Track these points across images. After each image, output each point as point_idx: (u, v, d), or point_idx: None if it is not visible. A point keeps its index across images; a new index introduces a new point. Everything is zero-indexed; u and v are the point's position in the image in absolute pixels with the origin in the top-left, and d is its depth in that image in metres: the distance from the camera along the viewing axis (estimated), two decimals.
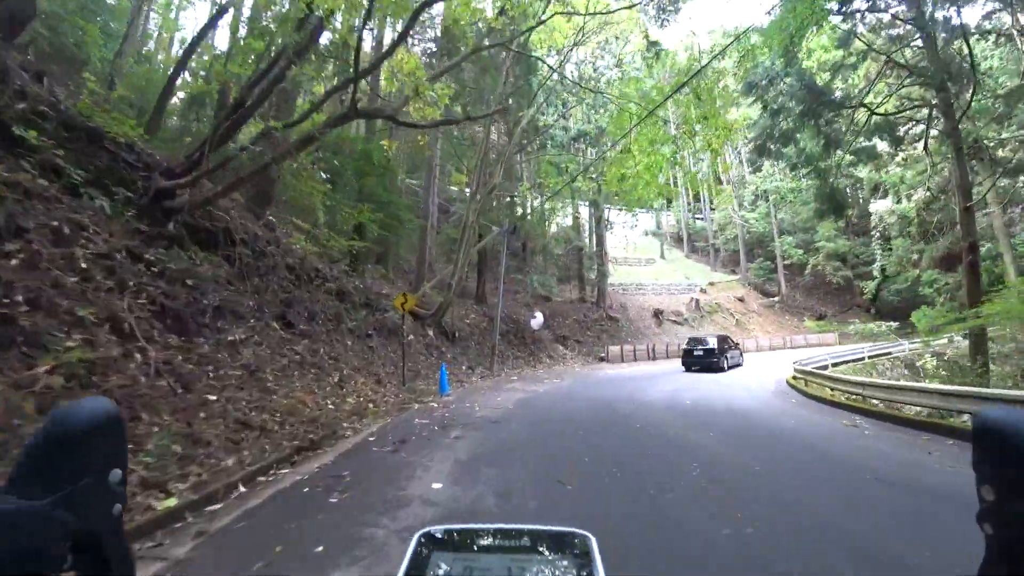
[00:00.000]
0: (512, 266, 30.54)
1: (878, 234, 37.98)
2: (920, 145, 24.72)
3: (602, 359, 28.61)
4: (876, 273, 38.21)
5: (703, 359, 20.38)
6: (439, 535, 0.98)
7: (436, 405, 11.07)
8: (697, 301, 39.31)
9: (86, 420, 0.59)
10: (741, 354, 24.01)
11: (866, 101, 15.71)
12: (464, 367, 19.73)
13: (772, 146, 16.79)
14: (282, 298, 11.11)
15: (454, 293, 19.78)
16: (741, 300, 41.41)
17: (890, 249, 37.94)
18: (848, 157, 16.04)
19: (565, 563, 0.91)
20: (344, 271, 15.83)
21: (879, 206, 35.04)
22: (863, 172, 40.26)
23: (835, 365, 22.32)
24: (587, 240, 36.38)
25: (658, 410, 10.80)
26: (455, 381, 16.35)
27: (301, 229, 12.72)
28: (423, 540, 0.94)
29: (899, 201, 24.47)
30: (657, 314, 36.50)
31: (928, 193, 21.43)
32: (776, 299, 41.70)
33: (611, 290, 37.46)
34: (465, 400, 11.83)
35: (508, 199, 25.85)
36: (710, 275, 46.12)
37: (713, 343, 20.71)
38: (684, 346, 21.97)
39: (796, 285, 43.46)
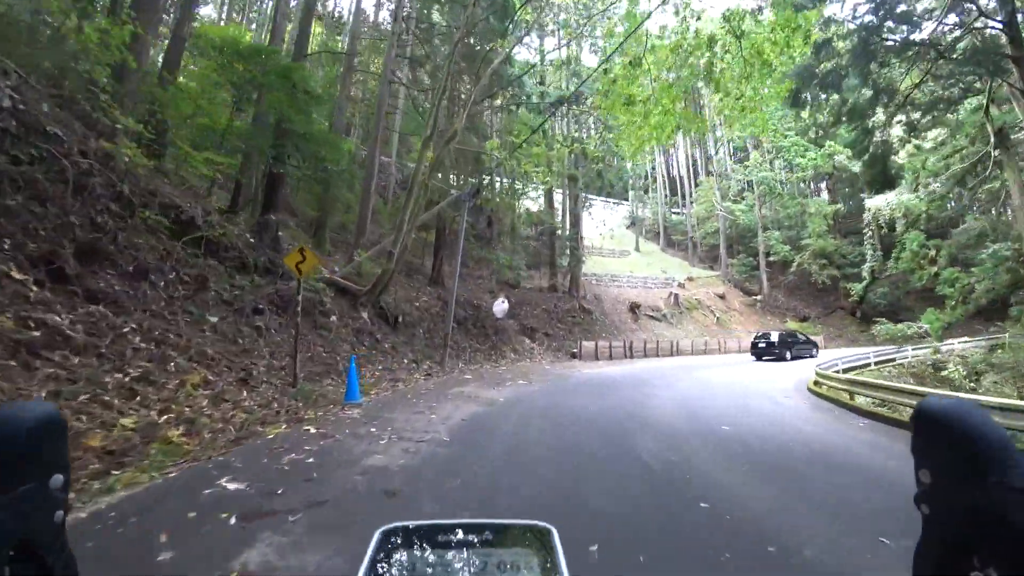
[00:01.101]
0: (477, 249, 26.36)
1: (871, 232, 35.43)
2: (939, 134, 21.94)
3: (574, 356, 24.83)
4: (865, 274, 35.69)
5: (767, 350, 24.22)
6: (400, 531, 0.94)
7: (318, 429, 6.59)
8: (676, 296, 36.04)
9: (27, 423, 0.56)
10: (815, 347, 25.74)
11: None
12: (406, 360, 15.52)
13: (808, 94, 13.14)
14: (84, 239, 6.66)
15: (396, 264, 15.48)
16: (722, 297, 38.39)
17: (881, 251, 35.51)
18: (901, 120, 12.50)
19: (527, 555, 0.90)
20: (223, 215, 11.36)
21: (876, 201, 32.45)
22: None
23: (845, 371, 19.10)
24: (561, 221, 32.49)
25: (703, 454, 6.22)
26: (388, 380, 12.16)
27: (131, 133, 8.18)
28: (383, 537, 0.91)
29: (915, 189, 21.64)
30: (634, 308, 32.98)
31: (961, 169, 18.40)
32: (758, 298, 38.84)
33: (585, 280, 33.79)
34: (377, 417, 7.56)
35: (475, 159, 21.63)
36: (688, 270, 43.03)
37: (775, 338, 24.48)
38: (752, 339, 26.08)
39: (778, 284, 40.75)
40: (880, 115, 12.75)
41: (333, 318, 13.70)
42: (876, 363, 22.37)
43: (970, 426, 0.54)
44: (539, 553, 0.90)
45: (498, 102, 21.72)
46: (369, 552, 0.86)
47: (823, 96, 13.32)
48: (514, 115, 22.47)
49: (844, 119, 13.16)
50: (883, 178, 13.12)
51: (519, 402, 9.79)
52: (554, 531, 0.93)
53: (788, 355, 23.64)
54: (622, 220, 56.14)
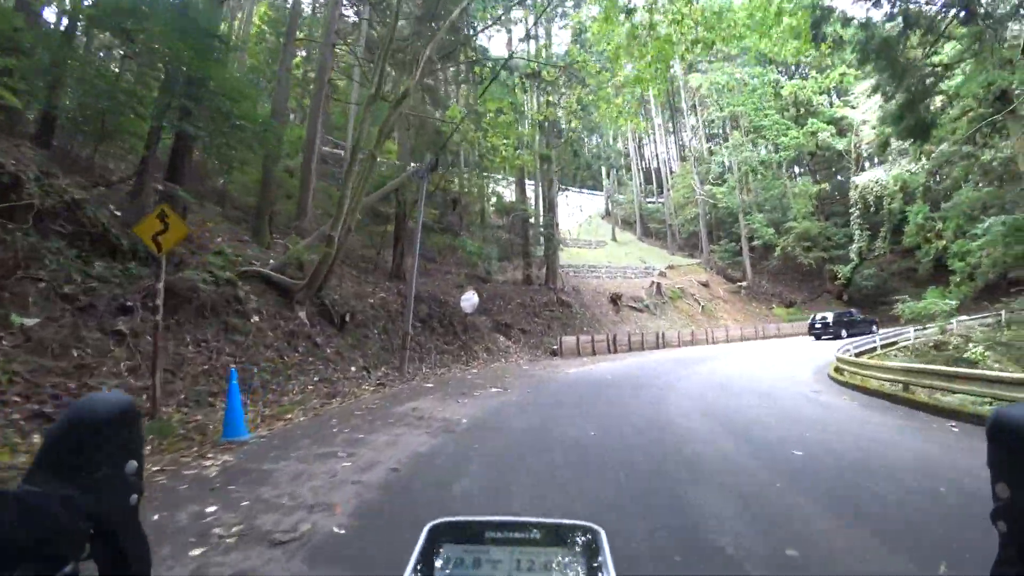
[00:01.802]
0: (441, 237, 23.67)
1: (857, 212, 33.92)
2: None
3: (555, 353, 22.40)
4: (853, 255, 34.18)
5: (824, 330, 26.46)
6: (448, 527, 0.94)
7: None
8: (659, 285, 33.95)
9: (104, 412, 0.60)
10: (873, 324, 26.81)
11: None
12: (354, 368, 12.82)
13: (829, 28, 10.90)
14: None
15: (339, 250, 12.76)
16: (705, 285, 36.49)
17: (868, 230, 34.05)
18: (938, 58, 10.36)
19: (574, 556, 0.89)
20: (102, 187, 8.56)
21: (864, 178, 31.08)
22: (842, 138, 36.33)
23: (857, 355, 17.14)
24: (534, 208, 30.00)
25: (808, 511, 3.79)
26: (321, 396, 9.47)
27: None
28: (432, 532, 0.91)
29: (919, 159, 19.88)
30: (615, 299, 30.73)
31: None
32: (743, 284, 37.05)
33: (562, 271, 31.43)
34: (249, 471, 4.77)
35: (436, 134, 18.98)
36: (668, 258, 41.09)
37: (831, 319, 26.72)
38: (810, 321, 28.34)
39: (761, 270, 39.08)
40: (914, 43, 10.59)
41: (255, 319, 10.89)
42: (882, 346, 20.62)
43: None
44: (586, 554, 0.88)
45: (458, 66, 19.05)
46: (418, 546, 0.86)
47: (844, 31, 11.13)
48: (478, 86, 19.85)
49: (872, 56, 10.98)
50: (919, 125, 11.01)
51: (488, 427, 7.09)
52: (602, 532, 0.90)
53: (844, 333, 25.16)
54: (597, 211, 54.14)
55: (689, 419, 7.33)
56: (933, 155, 19.48)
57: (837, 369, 14.34)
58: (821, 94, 37.57)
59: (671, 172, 51.31)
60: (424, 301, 19.86)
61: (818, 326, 27.10)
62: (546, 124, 24.86)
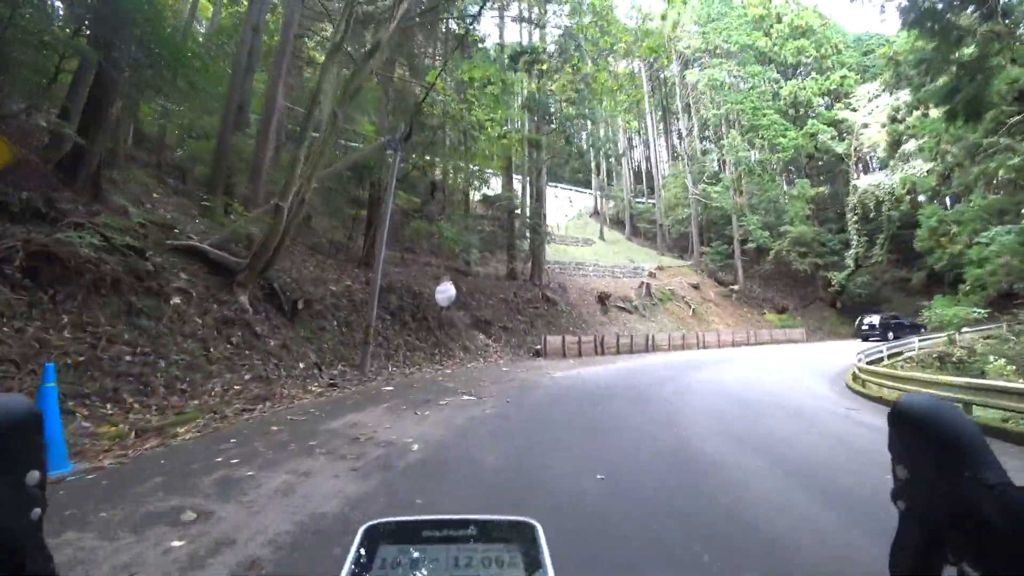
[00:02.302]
0: (418, 222, 21.69)
1: (856, 216, 32.70)
2: None
3: (538, 353, 20.62)
4: (849, 262, 32.96)
5: (871, 331, 27.31)
6: (384, 528, 0.93)
7: None
8: (648, 286, 32.36)
9: (1, 419, 0.55)
10: (920, 328, 25.61)
11: None
12: (303, 364, 10.93)
13: None
14: None
15: (289, 223, 10.79)
16: (696, 287, 34.99)
17: (866, 236, 32.88)
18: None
19: (512, 550, 0.89)
20: None
21: (866, 182, 29.97)
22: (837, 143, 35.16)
23: (870, 363, 15.68)
24: (521, 200, 28.15)
25: None
26: (244, 400, 7.53)
27: None
28: (367, 533, 0.90)
29: (935, 158, 18.53)
30: (603, 299, 29.05)
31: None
32: (735, 288, 35.63)
33: (548, 268, 29.68)
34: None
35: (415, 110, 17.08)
36: (657, 259, 39.56)
37: (877, 321, 27.52)
38: (856, 323, 29.44)
39: (753, 274, 37.74)
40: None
41: (175, 300, 8.88)
42: (888, 356, 19.30)
43: (945, 423, 0.55)
44: (524, 549, 0.89)
45: (445, 38, 17.13)
46: (353, 549, 0.85)
47: None
48: (467, 56, 17.94)
49: (922, 20, 9.35)
50: (974, 101, 9.39)
51: (445, 463, 4.94)
52: (539, 526, 0.91)
53: (890, 336, 25.55)
54: (586, 208, 52.58)
55: (720, 450, 5.54)
56: (949, 154, 18.24)
57: (855, 378, 12.82)
58: (822, 96, 36.47)
59: (662, 173, 49.88)
60: (396, 292, 17.94)
61: (865, 327, 27.85)
62: (536, 108, 23.07)
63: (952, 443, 0.55)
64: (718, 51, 39.68)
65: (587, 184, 54.22)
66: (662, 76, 55.16)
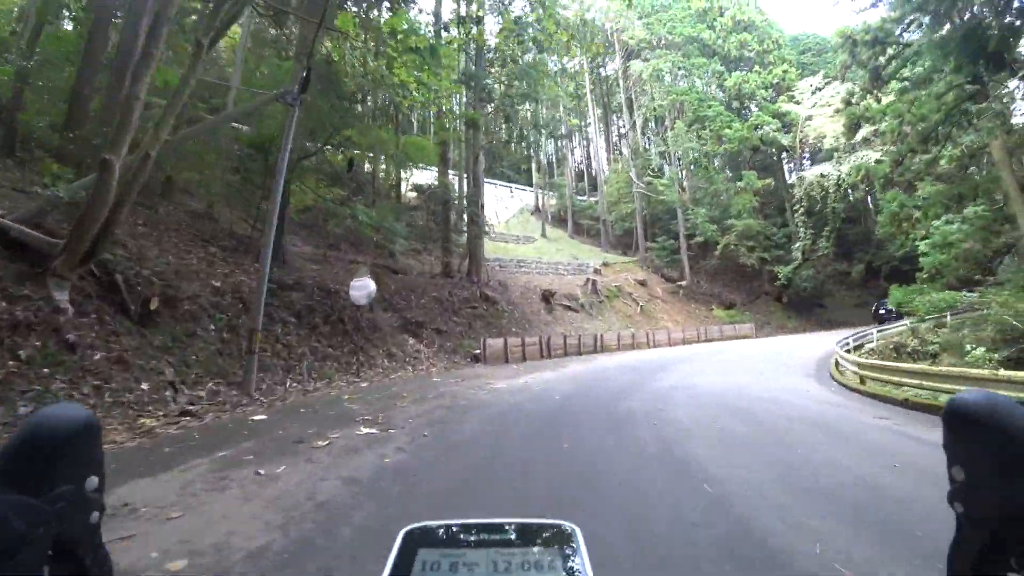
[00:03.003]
0: (339, 212, 18.66)
1: (802, 209, 32.34)
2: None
3: (477, 359, 18.17)
4: (797, 254, 32.54)
5: (888, 316, 26.98)
6: (424, 531, 0.92)
7: None
8: (594, 283, 30.56)
9: (63, 426, 0.57)
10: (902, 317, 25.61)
11: None
12: (146, 387, 7.96)
13: None
14: None
15: (128, 190, 7.79)
16: (643, 284, 33.58)
17: (813, 228, 32.55)
18: None
19: (551, 554, 0.86)
20: None
21: (814, 172, 29.59)
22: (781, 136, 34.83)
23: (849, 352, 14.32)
24: (458, 190, 25.58)
25: None
26: None
27: None
28: (408, 537, 0.88)
29: (896, 140, 17.73)
30: (547, 297, 26.94)
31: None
32: (682, 284, 34.50)
33: (488, 265, 27.28)
34: None
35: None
36: (601, 256, 38.02)
37: (893, 305, 24.97)
38: (873, 307, 29.81)
39: (699, 270, 36.89)
40: None
41: None
42: (855, 348, 18.32)
43: (1004, 421, 0.52)
44: (563, 553, 0.85)
45: None
46: (393, 552, 0.83)
47: None
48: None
49: None
50: (1001, 42, 7.88)
51: None
52: (578, 530, 0.89)
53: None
54: (527, 206, 50.68)
55: (803, 523, 3.25)
56: (910, 136, 17.54)
57: (844, 373, 11.23)
58: (766, 88, 36.17)
59: (604, 169, 48.65)
60: (305, 289, 15.00)
61: (882, 312, 28.54)
62: (473, 82, 20.61)
63: (1012, 441, 0.51)
64: (662, 43, 38.78)
65: (528, 182, 52.39)
66: (602, 72, 54.26)
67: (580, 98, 54.20)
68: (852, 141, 25.82)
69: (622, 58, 42.15)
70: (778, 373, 13.06)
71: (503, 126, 21.85)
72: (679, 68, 35.67)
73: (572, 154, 56.78)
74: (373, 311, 17.10)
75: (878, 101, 19.90)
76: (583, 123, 55.19)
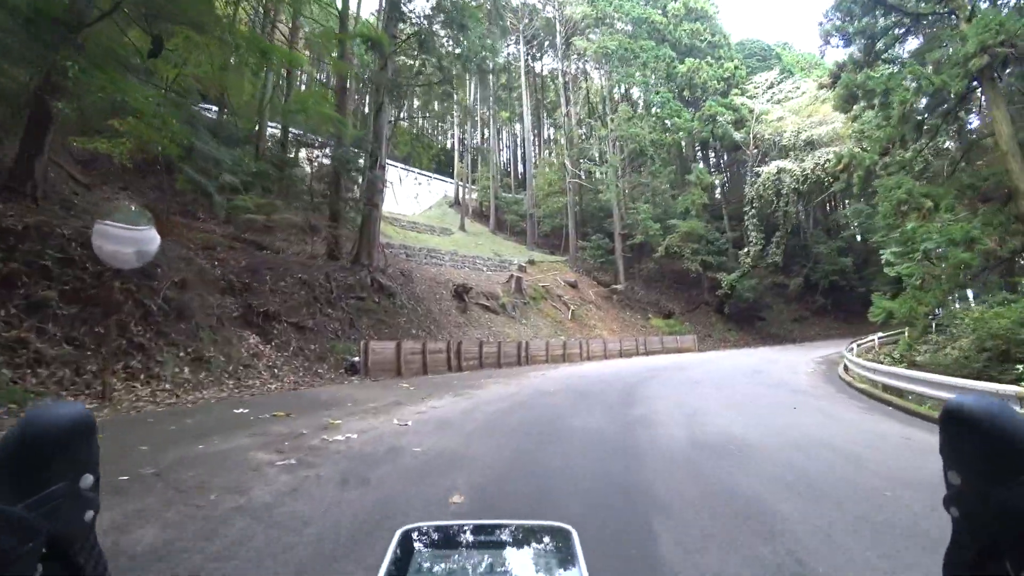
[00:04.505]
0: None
1: (754, 210, 29.36)
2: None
3: (353, 369, 12.59)
4: (747, 260, 29.42)
5: None
6: (420, 532, 0.93)
7: None
8: (519, 281, 25.66)
9: (59, 424, 0.56)
10: None
11: None
12: None
13: None
14: None
15: None
16: (574, 286, 29.13)
17: (764, 233, 29.70)
18: None
19: (546, 556, 0.89)
20: None
21: (773, 166, 26.67)
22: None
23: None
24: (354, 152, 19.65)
25: None
26: None
27: None
28: (404, 537, 0.88)
29: (902, 120, 14.49)
30: (461, 293, 21.64)
31: None
32: (618, 287, 30.37)
33: (389, 251, 21.64)
34: None
35: None
36: (527, 254, 33.36)
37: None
38: None
39: (635, 274, 33.11)
40: None
41: None
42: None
43: (1000, 425, 0.51)
44: (558, 554, 0.88)
45: None
46: (389, 552, 0.83)
47: None
48: None
49: None
50: None
51: None
52: (573, 532, 0.89)
53: None
54: (446, 197, 45.21)
55: None
56: (905, 118, 14.54)
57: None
58: (718, 81, 33.32)
59: (533, 163, 44.24)
60: (53, 240, 8.82)
61: None
62: None
63: (1007, 446, 0.50)
64: (607, 20, 35.07)
65: (449, 174, 46.94)
66: (540, 59, 50.21)
67: (513, 89, 49.82)
68: (826, 129, 23.05)
69: (562, 37, 38.03)
70: (794, 399, 8.66)
71: (418, 51, 16.27)
72: (625, 50, 31.99)
73: (499, 142, 52.20)
74: (187, 290, 10.96)
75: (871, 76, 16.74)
76: (513, 114, 50.91)
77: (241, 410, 6.99)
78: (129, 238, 7.95)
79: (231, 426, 5.98)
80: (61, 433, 0.55)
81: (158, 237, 8.32)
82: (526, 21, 41.68)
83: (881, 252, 19.25)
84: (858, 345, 18.93)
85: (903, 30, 17.35)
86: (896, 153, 16.55)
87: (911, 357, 15.13)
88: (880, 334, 21.59)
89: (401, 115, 25.02)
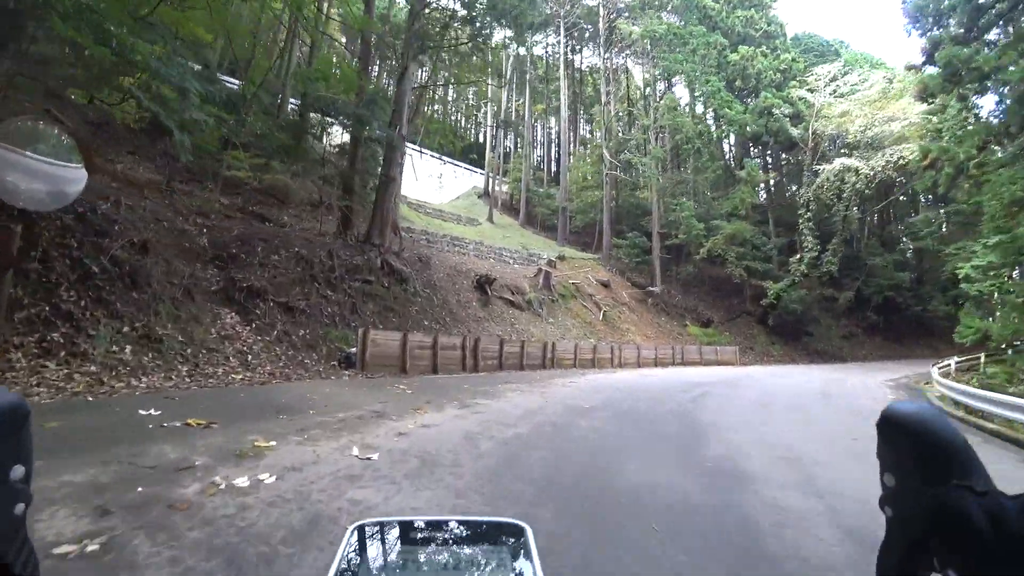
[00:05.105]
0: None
1: (810, 213, 26.48)
2: None
3: (349, 361, 10.63)
4: (802, 267, 26.53)
5: None
6: (374, 527, 0.90)
7: None
8: (548, 276, 23.43)
9: None
10: None
11: None
12: None
13: None
14: None
15: None
16: (606, 286, 26.75)
17: (819, 240, 26.81)
18: None
19: (501, 552, 0.87)
20: None
21: (837, 164, 23.94)
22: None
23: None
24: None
25: None
26: None
27: None
28: (357, 532, 0.85)
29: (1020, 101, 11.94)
30: (483, 285, 19.55)
31: None
32: (653, 291, 27.88)
33: (411, 237, 19.80)
34: None
35: None
36: (558, 249, 31.12)
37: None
38: None
39: (672, 277, 30.54)
40: None
41: None
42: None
43: (932, 430, 0.54)
44: (512, 550, 0.86)
45: None
46: (341, 547, 0.80)
47: None
48: None
49: None
50: None
51: None
52: (528, 529, 0.87)
53: None
54: (475, 188, 43.26)
55: None
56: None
57: None
58: (775, 72, 30.49)
59: (571, 150, 41.86)
60: None
61: None
62: None
63: (938, 450, 0.53)
64: (654, 5, 32.63)
65: (479, 165, 44.91)
66: (579, 51, 47.99)
67: (551, 82, 47.69)
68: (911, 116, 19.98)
69: (606, 23, 35.66)
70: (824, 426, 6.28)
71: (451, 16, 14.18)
72: (674, 35, 29.50)
73: (534, 133, 50.12)
74: (148, 253, 9.11)
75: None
76: (549, 107, 48.79)
77: (152, 411, 4.97)
78: (44, 172, 6.05)
79: (99, 440, 3.94)
80: None
81: (84, 176, 6.39)
82: (567, 7, 39.42)
83: (957, 268, 16.60)
84: (938, 369, 16.35)
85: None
86: (998, 148, 13.80)
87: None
88: (957, 357, 19.17)
89: (428, 84, 22.96)
